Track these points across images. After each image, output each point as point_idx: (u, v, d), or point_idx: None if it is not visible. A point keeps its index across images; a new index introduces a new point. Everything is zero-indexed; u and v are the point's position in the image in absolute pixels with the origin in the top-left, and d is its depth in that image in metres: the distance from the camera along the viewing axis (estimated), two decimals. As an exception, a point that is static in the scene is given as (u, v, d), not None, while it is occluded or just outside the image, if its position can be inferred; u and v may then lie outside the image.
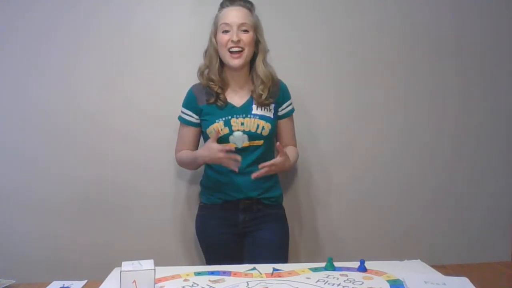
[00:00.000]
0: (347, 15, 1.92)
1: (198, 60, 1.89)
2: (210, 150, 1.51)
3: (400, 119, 1.99)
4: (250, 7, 1.61)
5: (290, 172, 1.88)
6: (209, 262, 1.68)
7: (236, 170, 1.50)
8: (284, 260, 1.65)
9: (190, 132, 1.67)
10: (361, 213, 1.98)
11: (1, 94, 1.84)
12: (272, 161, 1.51)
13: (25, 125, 1.85)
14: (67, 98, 1.86)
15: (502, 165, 2.04)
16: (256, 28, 1.60)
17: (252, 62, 1.63)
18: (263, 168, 1.50)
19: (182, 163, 1.72)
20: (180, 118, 1.68)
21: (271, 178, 1.66)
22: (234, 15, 1.56)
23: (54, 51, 1.84)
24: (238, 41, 1.54)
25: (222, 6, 1.62)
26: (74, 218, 1.87)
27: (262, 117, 1.60)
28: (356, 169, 1.97)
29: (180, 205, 1.91)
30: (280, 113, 1.67)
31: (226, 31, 1.56)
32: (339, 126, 1.96)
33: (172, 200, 1.91)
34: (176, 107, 1.89)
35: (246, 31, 1.56)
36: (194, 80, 1.90)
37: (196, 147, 1.71)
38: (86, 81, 1.86)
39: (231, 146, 1.54)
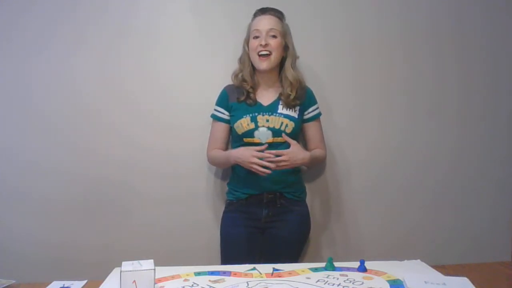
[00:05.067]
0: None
1: (198, 60, 1.90)
2: (245, 153, 1.63)
3: (400, 120, 1.99)
4: (280, 16, 1.74)
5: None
6: (225, 258, 1.73)
7: (264, 175, 1.60)
8: (297, 256, 1.77)
9: (221, 128, 1.77)
10: (361, 213, 1.98)
11: (1, 94, 1.84)
12: (279, 157, 1.60)
13: (25, 125, 1.85)
14: (67, 98, 1.86)
15: (502, 166, 2.05)
16: (285, 34, 1.72)
17: (281, 66, 1.74)
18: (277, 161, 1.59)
19: (214, 161, 1.82)
20: (212, 115, 1.79)
21: (294, 174, 1.74)
22: (264, 22, 1.70)
23: (54, 51, 1.84)
24: (266, 45, 1.66)
25: (254, 15, 1.75)
26: (74, 218, 1.87)
27: (286, 116, 1.70)
28: (355, 169, 1.98)
29: (180, 205, 1.91)
30: (306, 116, 1.77)
31: (256, 37, 1.69)
32: (339, 125, 1.96)
33: (172, 200, 1.90)
34: (178, 107, 1.90)
35: (274, 36, 1.68)
36: (195, 80, 1.91)
37: (226, 143, 1.80)
38: (86, 81, 1.86)
39: (267, 153, 1.60)
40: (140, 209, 1.90)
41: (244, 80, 1.73)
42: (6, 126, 1.85)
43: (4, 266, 1.77)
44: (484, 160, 2.04)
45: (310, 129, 1.78)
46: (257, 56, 1.68)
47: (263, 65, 1.68)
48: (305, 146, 1.82)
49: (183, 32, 1.90)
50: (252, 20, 1.75)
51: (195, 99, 1.89)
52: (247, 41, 1.74)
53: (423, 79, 1.99)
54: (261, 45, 1.66)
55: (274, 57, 1.69)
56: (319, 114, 1.80)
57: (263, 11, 1.73)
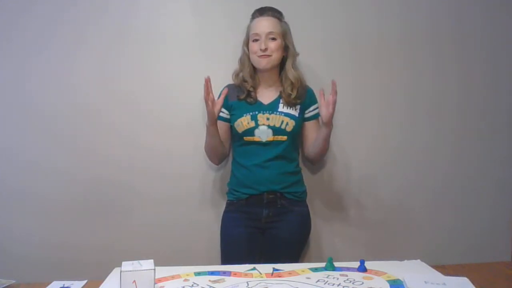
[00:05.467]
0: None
1: (198, 60, 1.90)
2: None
3: (400, 120, 1.99)
4: (279, 16, 1.72)
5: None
6: (225, 258, 1.73)
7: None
8: (298, 256, 1.77)
9: (220, 126, 1.73)
10: (361, 213, 1.98)
11: (1, 94, 1.84)
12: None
13: (25, 125, 1.85)
14: (67, 98, 1.86)
15: (502, 166, 2.05)
16: (284, 35, 1.71)
17: (282, 65, 1.74)
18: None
19: (206, 146, 1.76)
20: None
21: (294, 174, 1.75)
22: (263, 25, 1.68)
23: (54, 51, 1.84)
24: (266, 49, 1.66)
25: (253, 16, 1.74)
26: (74, 218, 1.87)
27: (287, 115, 1.70)
28: (355, 169, 1.97)
29: (180, 205, 1.91)
30: (307, 115, 1.77)
31: (256, 40, 1.68)
32: (339, 125, 1.95)
33: (172, 200, 1.90)
34: (178, 107, 1.90)
35: (274, 39, 1.67)
36: (195, 80, 1.90)
37: (227, 142, 1.78)
38: (86, 81, 1.86)
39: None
40: (140, 209, 1.90)
41: (244, 80, 1.74)
42: (6, 126, 1.85)
43: (4, 266, 1.77)
44: (484, 160, 2.04)
45: (311, 127, 1.78)
46: (257, 57, 1.69)
47: (263, 62, 1.68)
48: (306, 145, 1.82)
49: (183, 32, 1.90)
50: (251, 21, 1.74)
51: (195, 99, 1.88)
52: (246, 43, 1.74)
53: (423, 79, 1.99)
54: (260, 49, 1.66)
55: (275, 58, 1.69)
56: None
57: (261, 12, 1.72)
